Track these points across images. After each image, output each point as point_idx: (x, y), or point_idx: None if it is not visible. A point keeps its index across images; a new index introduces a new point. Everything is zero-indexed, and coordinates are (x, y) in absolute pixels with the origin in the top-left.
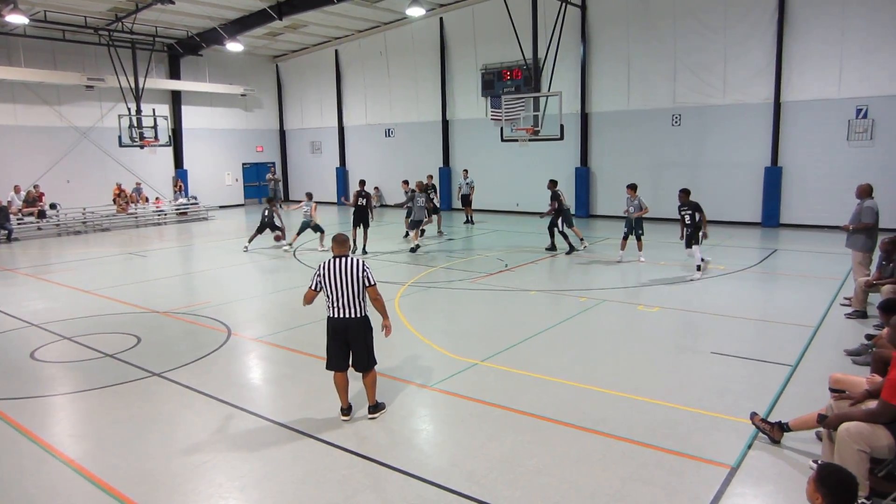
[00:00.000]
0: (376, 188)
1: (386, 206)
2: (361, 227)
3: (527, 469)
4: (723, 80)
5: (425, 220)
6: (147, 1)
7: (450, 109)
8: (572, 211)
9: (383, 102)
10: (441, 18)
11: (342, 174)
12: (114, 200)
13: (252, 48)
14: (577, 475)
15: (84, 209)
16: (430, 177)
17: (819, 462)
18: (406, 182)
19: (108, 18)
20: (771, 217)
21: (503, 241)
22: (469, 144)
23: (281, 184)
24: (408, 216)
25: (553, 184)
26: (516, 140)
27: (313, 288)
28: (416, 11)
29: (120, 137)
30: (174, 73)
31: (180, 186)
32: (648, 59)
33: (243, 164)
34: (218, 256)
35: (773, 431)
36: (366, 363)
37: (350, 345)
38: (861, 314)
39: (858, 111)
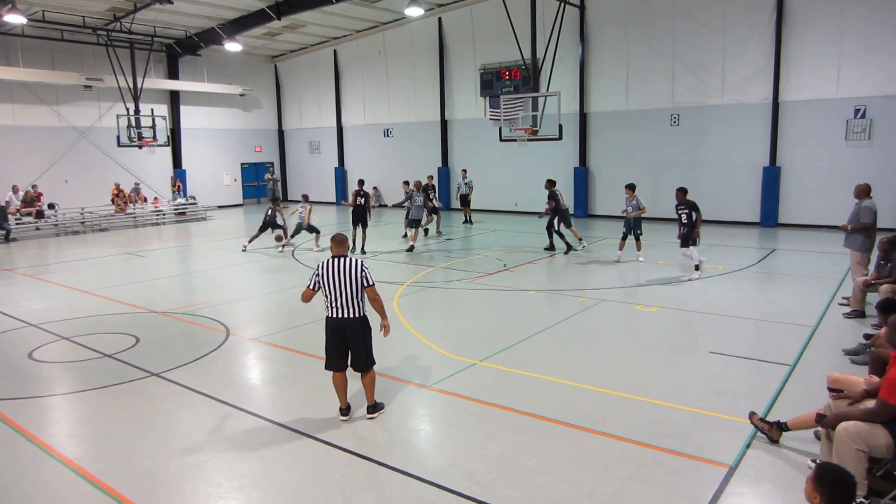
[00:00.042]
0: (375, 188)
1: (384, 205)
2: (360, 226)
3: (526, 469)
4: (721, 79)
5: (425, 220)
6: (145, 1)
7: (448, 109)
8: (571, 211)
9: (382, 102)
10: (440, 18)
11: (341, 174)
12: (112, 200)
13: (251, 48)
14: (577, 475)
15: (82, 209)
16: (431, 177)
17: (817, 461)
18: (407, 183)
19: (106, 18)
20: (769, 217)
21: (502, 240)
22: (468, 144)
23: (280, 184)
24: (407, 216)
25: (550, 183)
26: (515, 140)
27: (311, 287)
28: (414, 11)
29: (118, 137)
30: (173, 73)
31: (179, 186)
32: (647, 59)
33: (242, 164)
34: (216, 256)
35: (772, 431)
36: (364, 363)
37: (349, 345)
38: (859, 314)
39: (857, 111)
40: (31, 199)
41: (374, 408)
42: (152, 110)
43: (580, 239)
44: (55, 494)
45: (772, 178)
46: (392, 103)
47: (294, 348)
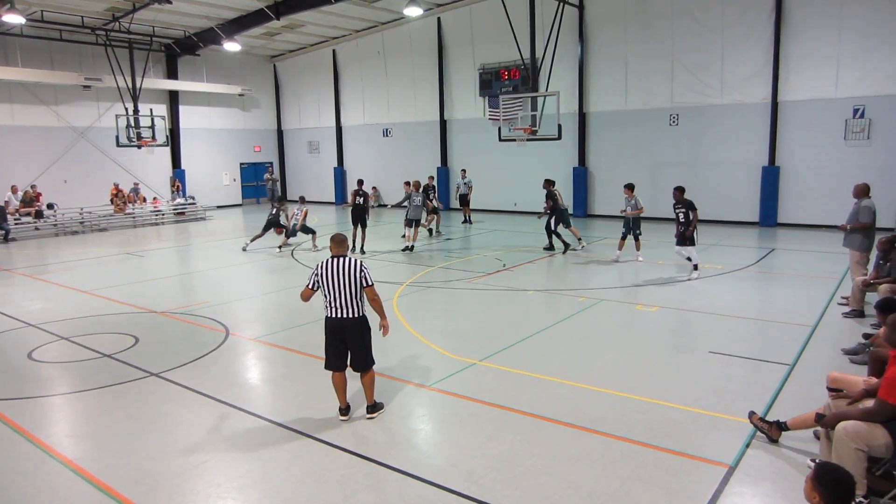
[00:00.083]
0: (374, 188)
1: (383, 205)
2: (360, 226)
3: (526, 469)
4: (720, 79)
5: (425, 220)
6: (144, 1)
7: (448, 109)
8: (570, 211)
9: (381, 102)
10: (439, 18)
11: (340, 174)
12: (111, 200)
13: (249, 48)
14: (576, 475)
15: (81, 209)
16: (432, 178)
17: (817, 461)
18: (408, 183)
19: (105, 18)
20: (768, 216)
21: (501, 240)
22: (467, 144)
23: (279, 184)
24: (407, 216)
25: (549, 183)
26: (514, 140)
27: (310, 287)
28: (413, 11)
29: (117, 137)
30: (171, 73)
31: (178, 186)
32: (646, 59)
33: (241, 163)
34: (216, 256)
35: (772, 430)
36: (364, 363)
37: (348, 345)
38: (858, 313)
39: (856, 111)
40: (30, 199)
41: (374, 408)
42: (151, 110)
43: (580, 239)
44: (55, 494)
45: (771, 178)
46: (391, 103)
47: (293, 348)
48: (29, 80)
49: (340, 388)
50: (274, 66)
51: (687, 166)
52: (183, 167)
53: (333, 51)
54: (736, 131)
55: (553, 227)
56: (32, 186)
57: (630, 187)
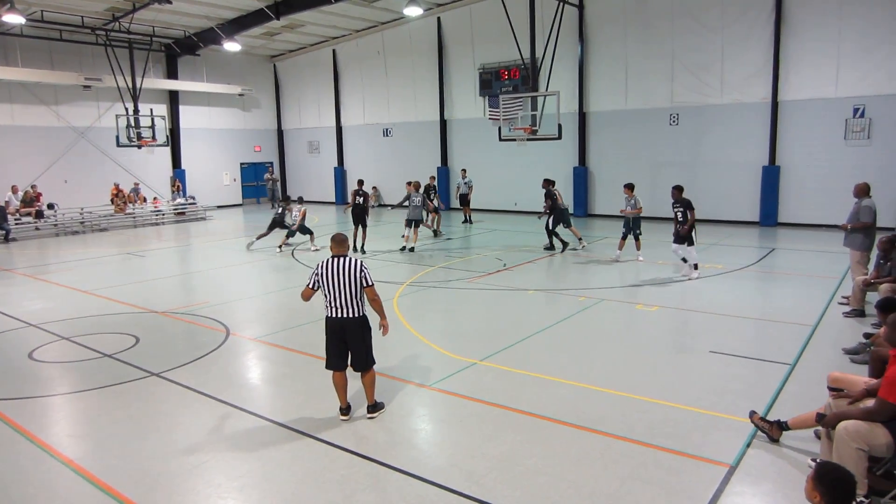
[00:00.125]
0: (374, 188)
1: (384, 205)
2: (360, 226)
3: (526, 468)
4: (720, 79)
5: (425, 220)
6: (144, 1)
7: (448, 109)
8: (571, 210)
9: (381, 102)
10: (438, 18)
11: (340, 174)
12: (111, 200)
13: (249, 48)
14: (577, 474)
15: (82, 209)
16: (433, 178)
17: (818, 460)
18: (409, 184)
19: (105, 18)
20: (769, 216)
21: (501, 240)
22: (467, 144)
23: (279, 183)
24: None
25: (548, 183)
26: (514, 140)
27: (311, 286)
28: (413, 11)
29: (117, 137)
30: (171, 73)
31: (178, 186)
32: (646, 59)
33: (241, 163)
34: (216, 256)
35: (772, 430)
36: (364, 363)
37: (348, 344)
38: (859, 313)
39: (856, 110)
40: (30, 200)
41: (374, 407)
42: (151, 110)
43: (580, 238)
44: (55, 494)
45: (771, 178)
46: (391, 103)
47: (294, 348)
48: (29, 80)
49: (341, 387)
50: (274, 65)
51: (687, 166)
52: (183, 167)
53: (333, 51)
54: (736, 131)
55: (552, 227)
56: (33, 186)
57: (630, 187)
